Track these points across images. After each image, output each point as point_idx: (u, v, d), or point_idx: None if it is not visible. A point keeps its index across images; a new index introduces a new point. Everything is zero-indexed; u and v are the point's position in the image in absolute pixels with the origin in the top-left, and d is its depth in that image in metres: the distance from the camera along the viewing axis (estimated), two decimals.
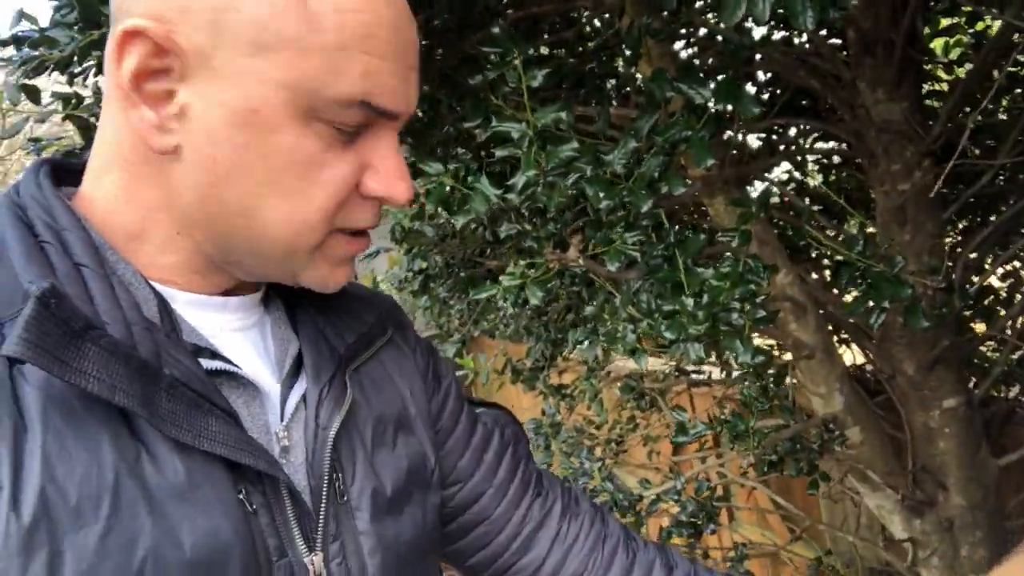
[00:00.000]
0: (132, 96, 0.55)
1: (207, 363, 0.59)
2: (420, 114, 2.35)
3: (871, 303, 1.36)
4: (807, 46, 1.69)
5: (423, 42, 2.23)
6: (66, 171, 0.64)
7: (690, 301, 1.24)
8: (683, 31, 1.88)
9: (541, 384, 2.66)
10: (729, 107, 1.22)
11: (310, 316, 0.71)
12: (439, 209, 1.37)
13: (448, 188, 1.24)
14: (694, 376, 2.71)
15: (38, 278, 0.51)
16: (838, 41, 1.87)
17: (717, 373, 2.88)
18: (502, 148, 1.18)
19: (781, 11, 1.07)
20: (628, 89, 1.88)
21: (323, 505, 0.62)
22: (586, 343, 1.61)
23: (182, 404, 0.53)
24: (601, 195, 1.19)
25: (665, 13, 1.32)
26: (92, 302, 0.53)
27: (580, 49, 2.43)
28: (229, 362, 0.60)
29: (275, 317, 0.69)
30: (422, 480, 0.73)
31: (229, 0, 0.53)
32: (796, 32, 1.75)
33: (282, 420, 0.64)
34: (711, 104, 1.25)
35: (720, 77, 1.16)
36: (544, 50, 2.64)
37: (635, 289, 1.51)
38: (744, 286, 1.27)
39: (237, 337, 0.64)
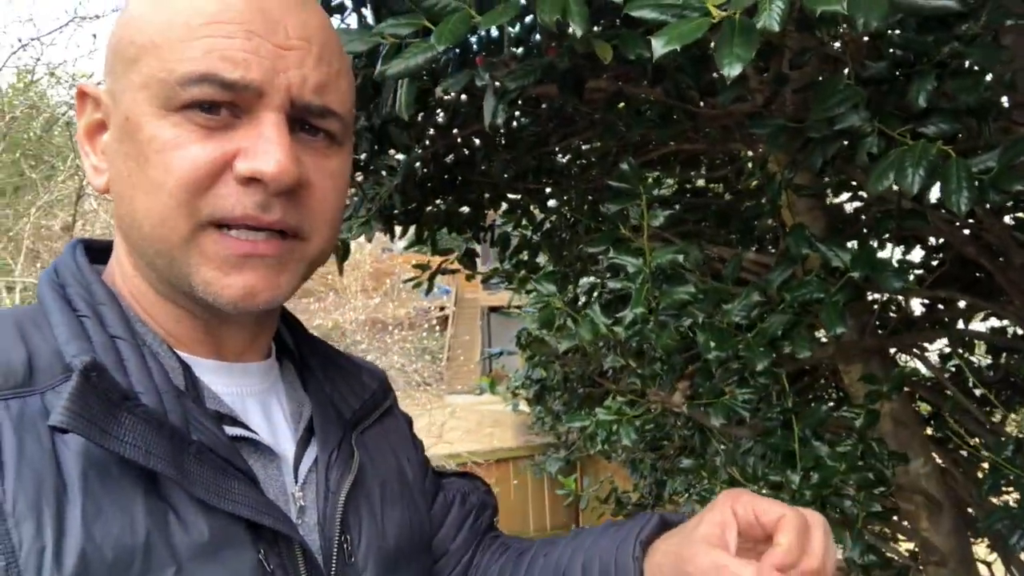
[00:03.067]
0: (84, 147, 0.63)
1: (229, 430, 0.61)
2: (563, 232, 2.38)
3: (1016, 519, 1.18)
4: (972, 220, 1.56)
5: (580, 162, 2.29)
6: (97, 250, 0.68)
7: (796, 477, 1.13)
8: (842, 187, 1.80)
9: None
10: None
11: (318, 382, 0.73)
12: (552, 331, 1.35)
13: (556, 311, 1.22)
14: None
15: (80, 352, 0.55)
16: (1012, 219, 1.71)
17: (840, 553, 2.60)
18: (615, 280, 1.16)
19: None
20: (769, 236, 1.81)
21: (333, 566, 0.64)
22: (684, 496, 1.50)
23: (208, 468, 0.56)
24: (712, 344, 1.13)
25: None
26: (126, 372, 0.56)
27: (739, 187, 2.39)
28: (248, 428, 0.63)
29: (289, 381, 0.73)
30: (422, 541, 0.76)
31: (114, 35, 0.60)
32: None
33: (297, 482, 0.66)
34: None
35: (858, 243, 1.08)
36: (701, 183, 2.63)
37: (743, 450, 1.40)
38: (862, 472, 1.15)
39: (255, 402, 0.67)
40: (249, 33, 0.57)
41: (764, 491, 1.24)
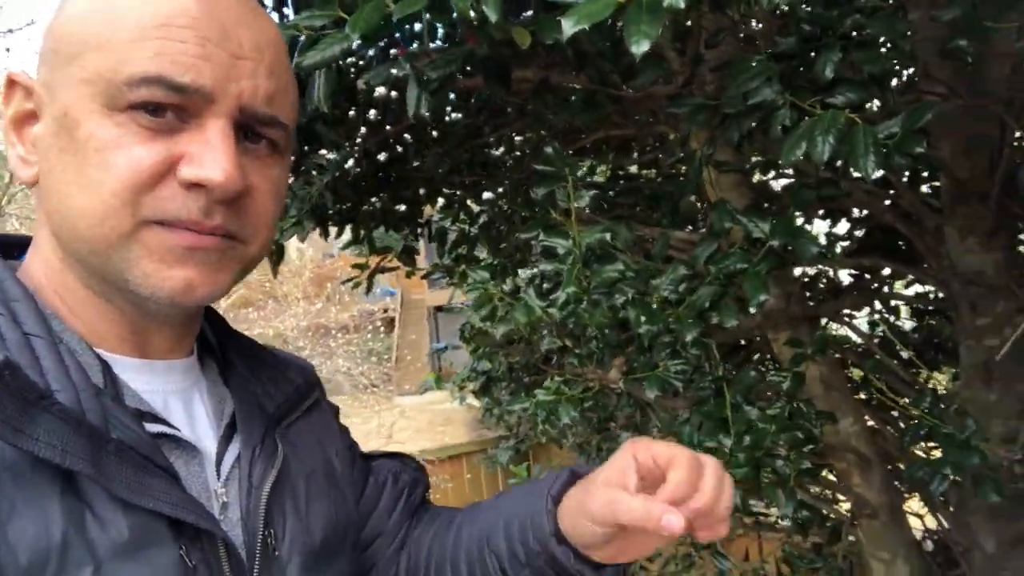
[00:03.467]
0: (11, 137, 0.59)
1: (149, 427, 0.60)
2: (499, 224, 2.41)
3: (936, 467, 1.25)
4: (892, 192, 1.64)
5: (513, 153, 2.31)
6: (10, 245, 0.67)
7: (729, 441, 1.17)
8: (770, 166, 1.86)
9: None
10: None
11: (242, 378, 0.72)
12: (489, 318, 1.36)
13: (492, 297, 1.23)
14: (760, 519, 2.54)
15: None
16: (929, 187, 1.80)
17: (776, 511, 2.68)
18: (547, 262, 1.18)
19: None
20: (700, 216, 1.86)
21: (257, 561, 0.64)
22: None
23: (128, 465, 0.55)
24: (643, 319, 1.16)
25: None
26: (42, 371, 0.55)
27: (671, 170, 2.45)
28: (170, 425, 0.62)
29: (211, 379, 0.71)
30: (349, 533, 0.76)
31: (54, 26, 0.58)
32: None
33: (219, 478, 0.66)
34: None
35: (776, 216, 1.13)
36: (635, 168, 2.68)
37: (681, 420, 1.44)
38: (791, 432, 1.20)
39: (176, 399, 0.66)
40: (202, 39, 0.56)
41: None
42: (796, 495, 1.18)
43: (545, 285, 1.44)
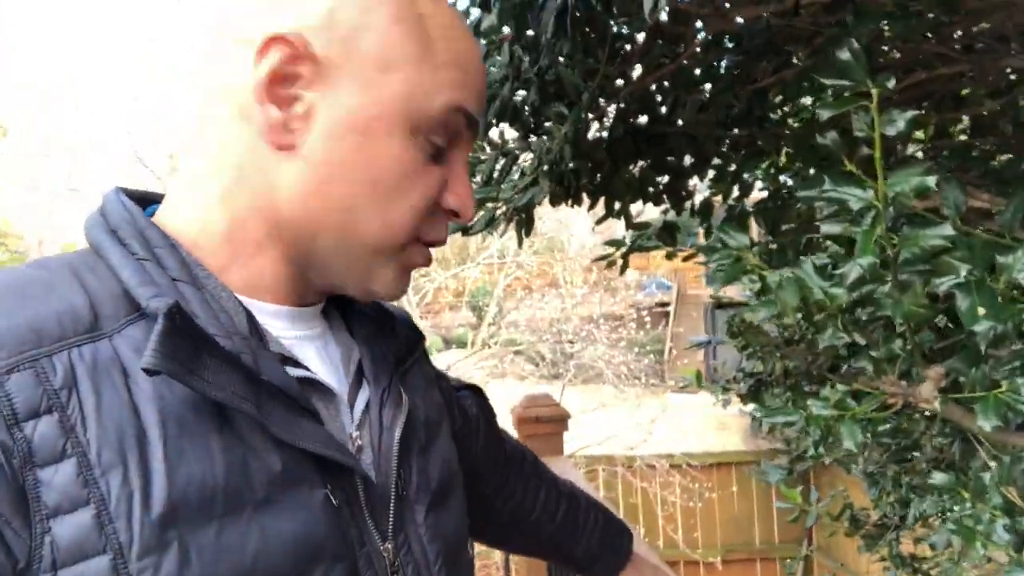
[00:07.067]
0: (262, 96, 0.59)
1: (291, 371, 0.62)
2: (779, 200, 2.00)
3: None
4: None
5: (799, 106, 1.91)
6: (134, 199, 0.67)
7: None
8: None
9: (886, 548, 2.06)
10: None
11: (363, 325, 0.74)
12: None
13: (750, 269, 0.92)
14: None
15: (156, 295, 0.55)
16: None
17: None
18: (831, 222, 0.83)
19: None
20: None
21: (392, 501, 0.66)
22: (937, 521, 1.12)
23: (280, 407, 0.57)
24: (981, 311, 0.77)
25: None
26: (195, 316, 0.56)
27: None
28: (309, 370, 0.64)
29: (336, 326, 0.73)
30: (456, 475, 0.78)
31: (363, 22, 0.59)
32: None
33: (353, 422, 0.68)
34: None
35: None
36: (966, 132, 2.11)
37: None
38: None
39: (312, 345, 0.68)
40: (479, 75, 0.64)
41: None
42: None
43: (829, 263, 1.08)
